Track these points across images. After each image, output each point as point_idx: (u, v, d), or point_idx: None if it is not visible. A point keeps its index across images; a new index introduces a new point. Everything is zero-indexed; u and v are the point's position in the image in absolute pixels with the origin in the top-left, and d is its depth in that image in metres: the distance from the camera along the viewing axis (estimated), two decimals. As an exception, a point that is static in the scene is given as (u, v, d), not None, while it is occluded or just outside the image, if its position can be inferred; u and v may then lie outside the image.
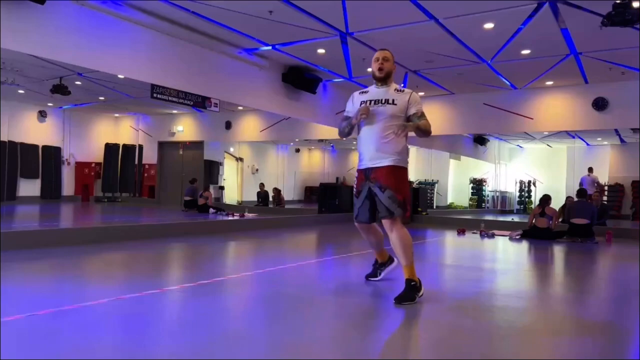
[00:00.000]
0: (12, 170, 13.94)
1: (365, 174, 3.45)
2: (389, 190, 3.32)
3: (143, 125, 16.67)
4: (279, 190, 15.04)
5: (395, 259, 3.82)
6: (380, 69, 3.46)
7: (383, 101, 3.41)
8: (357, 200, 3.58)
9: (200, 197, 12.61)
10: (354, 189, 3.62)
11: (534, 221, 8.44)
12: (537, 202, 8.71)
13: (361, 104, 3.48)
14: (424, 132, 3.44)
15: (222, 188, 15.75)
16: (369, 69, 10.73)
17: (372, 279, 3.94)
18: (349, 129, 3.57)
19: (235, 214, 11.00)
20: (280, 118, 13.40)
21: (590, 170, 13.01)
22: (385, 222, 3.39)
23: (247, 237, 7.53)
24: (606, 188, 14.94)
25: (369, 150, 3.41)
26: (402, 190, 3.36)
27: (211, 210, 12.16)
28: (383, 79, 3.49)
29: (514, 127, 11.31)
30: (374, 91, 3.52)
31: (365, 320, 2.97)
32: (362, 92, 3.58)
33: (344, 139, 3.62)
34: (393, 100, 3.40)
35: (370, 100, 3.45)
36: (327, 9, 6.78)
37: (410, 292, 3.22)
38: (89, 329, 2.55)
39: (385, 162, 3.36)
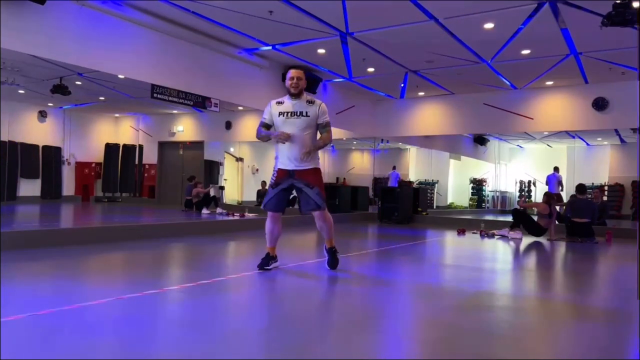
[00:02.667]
0: (13, 170, 13.93)
1: (289, 173, 4.19)
2: (317, 187, 4.15)
3: (143, 125, 16.68)
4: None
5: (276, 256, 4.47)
6: (295, 87, 4.12)
7: (298, 114, 4.13)
8: (272, 191, 4.24)
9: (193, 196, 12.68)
10: (272, 181, 4.29)
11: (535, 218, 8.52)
12: (543, 198, 8.68)
13: (279, 114, 4.16)
14: (325, 146, 4.35)
15: (222, 188, 15.75)
16: (370, 69, 10.83)
17: (263, 268, 4.33)
18: (266, 139, 4.29)
19: (235, 214, 10.99)
20: (280, 118, 13.36)
21: (557, 169, 12.98)
22: (318, 214, 4.23)
23: (247, 237, 7.53)
24: (606, 188, 14.93)
25: (293, 154, 4.13)
26: (323, 188, 4.25)
27: (204, 210, 11.95)
28: (297, 95, 4.16)
29: (514, 127, 11.32)
30: (289, 103, 4.18)
31: (365, 320, 2.97)
32: (279, 103, 4.21)
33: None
34: (307, 113, 4.12)
35: (287, 112, 4.14)
36: (327, 9, 6.78)
37: (334, 257, 4.45)
38: (89, 329, 2.55)
39: (310, 165, 4.17)
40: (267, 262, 4.35)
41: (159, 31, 7.62)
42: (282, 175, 4.22)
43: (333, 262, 4.43)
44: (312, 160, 4.22)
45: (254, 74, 9.41)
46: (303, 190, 4.17)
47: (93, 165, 16.31)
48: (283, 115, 4.14)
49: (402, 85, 10.91)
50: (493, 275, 4.88)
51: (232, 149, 16.62)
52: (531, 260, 6.29)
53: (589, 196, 8.55)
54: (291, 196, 4.74)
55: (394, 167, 16.02)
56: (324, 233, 4.40)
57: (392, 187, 13.54)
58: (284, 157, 4.21)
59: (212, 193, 12.98)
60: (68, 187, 15.77)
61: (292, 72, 4.16)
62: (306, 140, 4.15)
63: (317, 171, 4.25)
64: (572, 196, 8.76)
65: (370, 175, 15.97)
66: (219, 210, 12.07)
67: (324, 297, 3.60)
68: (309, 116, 4.13)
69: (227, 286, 3.82)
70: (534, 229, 8.37)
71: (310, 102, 4.18)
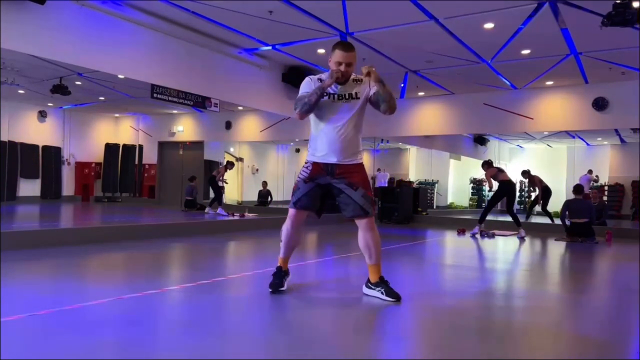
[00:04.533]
0: (12, 170, 13.93)
1: (327, 169, 3.30)
2: (362, 189, 3.26)
3: (143, 125, 16.67)
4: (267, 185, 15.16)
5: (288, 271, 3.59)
6: (344, 75, 3.25)
7: (347, 96, 3.28)
8: (304, 185, 3.37)
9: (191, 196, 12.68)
10: (303, 175, 3.38)
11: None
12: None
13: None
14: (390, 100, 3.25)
15: (214, 190, 15.74)
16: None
17: (281, 289, 3.43)
18: (319, 96, 3.20)
19: (235, 214, 10.99)
20: (280, 118, 13.39)
21: (590, 171, 13.23)
22: (364, 223, 3.29)
23: (247, 237, 7.53)
24: (606, 188, 14.94)
25: (335, 145, 3.26)
26: (370, 189, 3.35)
27: (208, 209, 11.89)
28: (343, 82, 3.30)
29: (514, 127, 11.31)
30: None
31: (365, 320, 2.97)
32: (321, 80, 3.29)
33: (301, 119, 3.41)
34: (356, 94, 3.29)
35: (335, 94, 3.28)
36: (327, 9, 6.78)
37: (391, 288, 3.31)
38: (89, 329, 2.55)
39: (354, 159, 3.32)
40: (280, 281, 3.45)
41: (159, 31, 7.62)
42: (317, 171, 3.34)
43: (391, 291, 3.28)
44: (357, 153, 3.34)
45: (254, 74, 9.41)
46: (343, 192, 3.28)
47: (93, 165, 16.30)
48: (330, 97, 3.28)
49: (402, 85, 10.91)
50: (493, 275, 4.88)
51: (232, 149, 16.62)
52: (531, 260, 6.29)
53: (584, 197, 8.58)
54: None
55: (379, 169, 16.19)
56: (369, 253, 3.32)
57: (391, 187, 13.54)
58: (323, 146, 3.31)
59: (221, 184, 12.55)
60: (68, 187, 15.76)
61: (339, 55, 3.21)
62: (352, 127, 3.29)
63: (361, 168, 3.36)
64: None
65: (369, 175, 15.99)
66: (208, 210, 11.97)
67: (324, 297, 3.60)
68: (359, 98, 3.29)
69: (227, 286, 3.82)
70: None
71: (358, 81, 3.32)
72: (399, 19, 7.04)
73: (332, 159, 3.28)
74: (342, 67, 3.20)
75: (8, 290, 3.29)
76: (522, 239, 8.26)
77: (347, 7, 6.69)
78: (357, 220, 3.31)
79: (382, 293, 3.27)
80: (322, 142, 3.31)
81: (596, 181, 13.39)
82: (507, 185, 8.92)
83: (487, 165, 9.30)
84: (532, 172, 12.53)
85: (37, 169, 14.74)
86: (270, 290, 3.40)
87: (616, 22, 5.57)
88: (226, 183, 12.55)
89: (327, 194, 3.44)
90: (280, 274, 3.48)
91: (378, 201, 12.21)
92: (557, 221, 9.08)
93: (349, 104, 3.28)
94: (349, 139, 3.28)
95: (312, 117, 3.37)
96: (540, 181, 12.24)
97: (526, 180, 12.56)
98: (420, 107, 12.33)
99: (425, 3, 6.45)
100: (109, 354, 2.21)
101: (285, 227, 3.49)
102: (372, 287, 3.35)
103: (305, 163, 3.42)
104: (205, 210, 12.01)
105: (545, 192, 12.23)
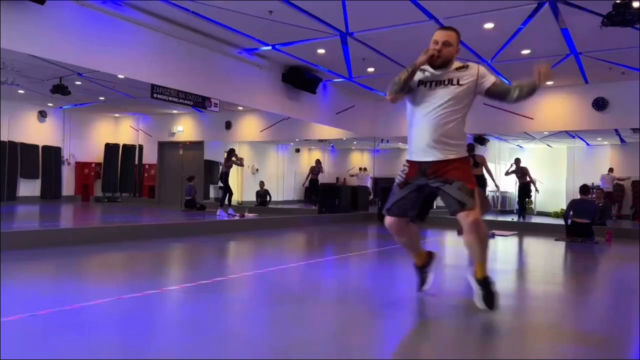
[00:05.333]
0: (12, 170, 13.93)
1: (421, 169, 2.99)
2: (458, 181, 2.88)
3: (143, 125, 16.67)
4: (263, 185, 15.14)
5: (432, 252, 3.38)
6: (437, 56, 2.95)
7: (446, 82, 2.93)
8: (399, 191, 3.09)
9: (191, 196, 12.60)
10: (399, 179, 3.11)
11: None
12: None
13: (419, 83, 3.02)
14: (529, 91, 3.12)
15: (222, 188, 15.75)
16: (370, 69, 10.80)
17: (424, 288, 3.37)
18: (410, 74, 2.93)
19: (235, 215, 10.98)
20: (280, 118, 13.39)
21: (611, 170, 13.29)
22: (463, 216, 2.88)
23: (247, 237, 7.52)
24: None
25: (430, 138, 2.93)
26: (471, 181, 2.93)
27: (220, 212, 10.98)
28: (440, 67, 3.00)
29: (514, 127, 11.31)
30: (434, 71, 3.01)
31: (365, 320, 2.96)
32: (421, 69, 3.03)
33: (392, 101, 3.13)
34: (458, 80, 2.93)
35: (431, 82, 2.97)
36: (327, 9, 6.78)
37: (491, 289, 2.98)
38: (89, 329, 2.55)
39: (450, 153, 2.92)
40: (423, 278, 3.36)
41: (159, 31, 7.62)
42: (413, 173, 3.03)
43: (488, 297, 2.95)
44: (455, 146, 2.92)
45: (254, 74, 9.40)
46: (441, 189, 2.93)
47: (93, 165, 16.30)
48: (425, 86, 2.98)
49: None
50: (493, 275, 4.87)
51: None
52: (531, 260, 6.29)
53: (592, 196, 8.57)
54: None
55: (364, 169, 16.22)
56: (473, 250, 2.98)
57: (391, 187, 13.52)
58: (416, 139, 3.00)
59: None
60: (68, 187, 15.76)
61: (436, 34, 2.99)
62: (447, 116, 2.90)
63: (461, 163, 2.94)
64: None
65: (370, 175, 15.99)
66: (220, 212, 11.79)
67: (324, 297, 3.60)
68: (461, 85, 2.92)
69: (227, 286, 3.82)
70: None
71: (462, 68, 2.99)
72: (399, 19, 7.04)
73: (425, 156, 2.95)
74: (438, 46, 2.93)
75: (8, 290, 3.29)
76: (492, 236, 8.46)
77: (347, 7, 6.69)
78: (457, 216, 2.91)
79: (478, 294, 2.99)
80: (414, 135, 3.01)
81: (621, 179, 13.40)
82: (478, 180, 9.05)
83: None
84: (531, 172, 12.56)
85: (37, 169, 14.74)
86: (419, 290, 3.38)
87: (616, 22, 5.57)
88: (242, 165, 11.81)
89: (431, 194, 3.13)
90: (421, 272, 3.36)
91: (378, 201, 12.21)
92: (536, 219, 9.02)
93: (446, 89, 2.93)
94: (445, 129, 2.89)
95: (407, 107, 3.10)
96: (529, 174, 12.42)
97: (512, 167, 12.50)
98: (420, 107, 12.30)
99: (425, 3, 6.45)
100: (109, 354, 2.21)
101: (396, 238, 3.24)
102: (475, 282, 3.03)
103: (404, 163, 3.11)
104: (217, 213, 11.12)
105: (528, 187, 12.40)
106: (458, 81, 2.92)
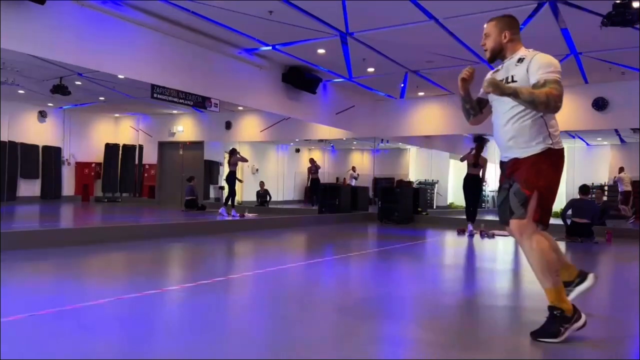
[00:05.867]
0: (12, 170, 13.93)
1: (503, 169, 2.81)
2: (519, 183, 2.59)
3: (143, 125, 16.67)
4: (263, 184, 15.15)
5: (590, 276, 2.86)
6: (485, 49, 2.84)
7: (505, 81, 2.71)
8: (498, 198, 2.92)
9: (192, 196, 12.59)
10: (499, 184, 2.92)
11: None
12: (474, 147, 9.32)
13: None
14: (533, 102, 2.57)
15: (222, 188, 15.75)
16: (370, 69, 10.79)
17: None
18: (462, 103, 2.89)
19: (236, 215, 10.98)
20: (280, 118, 13.39)
21: (621, 169, 13.17)
22: (513, 226, 2.60)
23: (247, 237, 7.53)
24: (606, 188, 14.92)
25: (501, 140, 2.78)
26: (537, 185, 2.56)
27: (222, 211, 10.88)
28: (494, 58, 2.84)
29: (514, 127, 11.29)
30: (502, 68, 2.85)
31: (365, 320, 2.96)
32: (496, 71, 2.86)
33: (478, 124, 3.02)
34: (513, 77, 2.71)
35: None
36: (327, 9, 6.78)
37: (552, 324, 2.48)
38: (89, 329, 2.55)
39: (525, 151, 2.64)
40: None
41: (159, 31, 7.62)
42: (502, 175, 2.84)
43: (543, 331, 2.50)
44: (531, 142, 2.62)
45: (254, 74, 9.40)
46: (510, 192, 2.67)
47: (93, 165, 16.31)
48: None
49: (402, 85, 10.91)
50: (493, 275, 4.88)
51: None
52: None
53: (592, 196, 8.56)
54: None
55: (354, 168, 16.25)
56: (533, 271, 2.59)
57: (391, 187, 13.53)
58: (497, 142, 2.82)
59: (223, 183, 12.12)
60: (68, 187, 15.76)
61: (485, 26, 2.92)
62: (515, 114, 2.65)
63: (535, 160, 2.59)
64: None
65: (370, 175, 15.98)
66: (222, 211, 11.70)
67: (323, 297, 3.60)
68: (516, 81, 2.68)
69: (227, 286, 3.82)
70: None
71: (520, 60, 2.76)
72: (399, 19, 7.04)
73: (502, 157, 2.80)
74: (483, 41, 2.87)
75: (8, 290, 3.29)
76: (471, 235, 8.62)
77: (347, 7, 6.69)
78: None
79: (544, 326, 2.51)
80: (495, 137, 2.84)
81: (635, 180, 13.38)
82: (473, 181, 9.27)
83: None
84: None
85: (37, 169, 14.74)
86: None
87: (616, 22, 5.57)
88: (246, 161, 11.77)
89: None
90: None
91: (378, 201, 12.21)
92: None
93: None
94: (516, 127, 2.65)
95: None
96: None
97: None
98: (420, 107, 12.32)
99: (425, 3, 6.45)
100: (109, 354, 2.21)
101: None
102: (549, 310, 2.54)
103: None
104: (219, 212, 11.01)
105: None
106: (513, 78, 2.71)
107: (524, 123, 2.66)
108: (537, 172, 2.58)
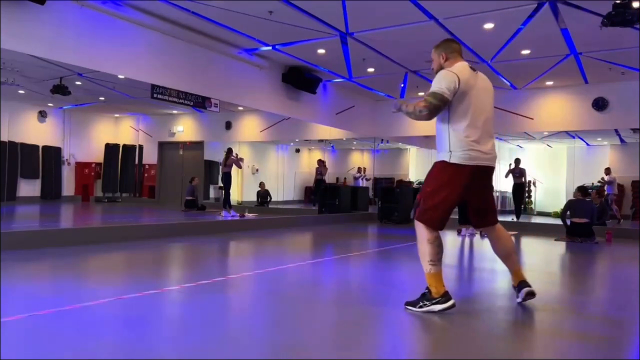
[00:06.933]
0: (12, 170, 13.93)
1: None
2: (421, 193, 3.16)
3: (143, 125, 16.68)
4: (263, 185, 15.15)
5: (525, 288, 3.27)
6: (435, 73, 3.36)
7: None
8: None
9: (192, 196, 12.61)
10: None
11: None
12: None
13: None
14: (408, 112, 3.18)
15: (222, 188, 15.76)
16: (370, 69, 10.80)
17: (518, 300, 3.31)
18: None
19: (235, 214, 10.98)
20: (280, 118, 13.40)
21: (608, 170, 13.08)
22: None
23: (247, 237, 7.52)
24: (606, 188, 14.92)
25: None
26: (430, 191, 3.07)
27: (224, 213, 10.74)
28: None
29: (514, 127, 11.31)
30: None
31: (365, 320, 2.96)
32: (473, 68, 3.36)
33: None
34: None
35: None
36: (327, 9, 6.78)
37: (419, 298, 3.04)
38: (89, 329, 2.55)
39: (438, 159, 3.17)
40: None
41: (159, 31, 7.62)
42: None
43: (414, 301, 3.06)
44: (441, 152, 3.12)
45: (254, 74, 9.40)
46: None
47: (93, 165, 16.31)
48: None
49: (402, 85, 10.91)
50: (493, 275, 4.88)
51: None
52: (531, 260, 6.29)
53: (588, 198, 8.54)
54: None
55: (359, 169, 16.26)
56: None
57: (391, 187, 13.54)
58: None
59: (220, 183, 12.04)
60: (68, 187, 15.77)
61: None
62: (436, 122, 3.20)
63: (434, 167, 3.15)
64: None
65: (370, 175, 15.99)
66: (224, 213, 11.64)
67: (323, 297, 3.60)
68: None
69: (227, 286, 3.82)
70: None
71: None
72: (399, 19, 7.04)
73: None
74: (431, 65, 3.48)
75: (8, 290, 3.29)
76: (471, 235, 8.59)
77: (347, 7, 6.69)
78: None
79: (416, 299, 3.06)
80: None
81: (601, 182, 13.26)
82: None
83: None
84: (530, 173, 12.56)
85: (37, 169, 14.75)
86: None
87: (616, 22, 5.57)
88: (241, 160, 11.52)
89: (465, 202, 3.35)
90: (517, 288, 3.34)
91: (378, 201, 12.21)
92: (536, 219, 9.03)
93: None
94: (437, 135, 3.17)
95: None
96: (525, 175, 12.42)
97: (512, 166, 12.36)
98: (420, 107, 12.29)
99: (425, 3, 6.45)
100: (109, 354, 2.21)
101: None
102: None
103: None
104: (222, 214, 10.86)
105: (522, 187, 12.40)
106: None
107: (437, 132, 3.16)
108: (430, 176, 3.10)
